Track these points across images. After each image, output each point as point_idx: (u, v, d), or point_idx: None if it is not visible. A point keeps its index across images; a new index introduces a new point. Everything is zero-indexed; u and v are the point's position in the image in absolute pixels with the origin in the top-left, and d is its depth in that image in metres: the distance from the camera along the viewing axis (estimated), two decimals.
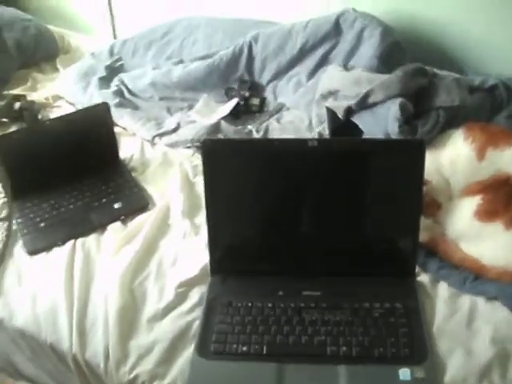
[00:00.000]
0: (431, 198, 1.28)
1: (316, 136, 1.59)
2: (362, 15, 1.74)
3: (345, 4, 1.79)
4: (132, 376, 1.11)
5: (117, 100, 1.87)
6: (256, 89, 1.90)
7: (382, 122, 1.40)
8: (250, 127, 1.75)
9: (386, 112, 1.40)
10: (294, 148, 1.18)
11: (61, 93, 2.00)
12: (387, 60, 1.63)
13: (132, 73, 2.01)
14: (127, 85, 1.96)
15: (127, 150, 1.70)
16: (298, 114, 1.74)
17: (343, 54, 1.74)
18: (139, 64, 2.06)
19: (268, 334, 1.10)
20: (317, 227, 1.23)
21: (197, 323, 1.16)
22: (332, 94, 1.55)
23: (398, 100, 1.37)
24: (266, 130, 1.72)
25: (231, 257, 1.25)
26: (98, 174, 1.58)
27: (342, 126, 1.53)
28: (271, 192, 1.21)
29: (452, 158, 1.31)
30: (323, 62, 1.78)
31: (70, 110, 1.88)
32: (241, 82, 1.90)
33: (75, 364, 1.17)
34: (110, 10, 2.42)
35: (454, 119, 1.39)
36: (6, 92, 2.01)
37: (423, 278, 1.24)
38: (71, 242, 1.38)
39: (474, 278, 1.22)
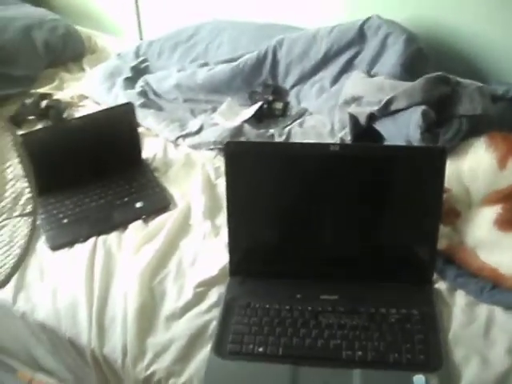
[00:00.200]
0: (451, 205, 1.28)
1: (338, 141, 1.59)
2: (387, 22, 1.74)
3: (370, 10, 1.80)
4: (149, 373, 1.12)
5: (141, 101, 1.89)
6: (280, 93, 1.90)
7: (403, 129, 1.40)
8: (272, 131, 1.75)
9: (408, 119, 1.40)
10: (316, 152, 1.19)
11: (86, 92, 2.02)
12: (411, 67, 1.63)
13: (157, 74, 2.03)
14: (152, 86, 1.98)
15: (150, 150, 1.72)
16: (320, 118, 1.75)
17: (367, 60, 1.74)
18: (164, 66, 2.08)
19: (284, 336, 1.11)
20: (336, 231, 1.23)
21: (214, 323, 1.18)
22: (355, 100, 1.55)
23: (421, 107, 1.37)
24: (289, 135, 1.73)
25: (250, 258, 1.26)
26: (121, 173, 1.59)
27: (364, 132, 1.53)
28: (292, 195, 1.22)
29: (473, 166, 1.31)
30: (347, 68, 1.78)
31: (95, 109, 1.89)
32: (265, 85, 1.91)
33: (93, 359, 1.19)
34: (137, 12, 2.44)
35: (476, 128, 1.38)
36: (33, 90, 2.04)
37: (441, 285, 1.24)
38: (93, 238, 1.41)
39: (491, 287, 1.21)
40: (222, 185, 1.51)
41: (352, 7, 1.96)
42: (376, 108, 1.45)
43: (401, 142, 1.40)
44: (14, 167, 1.09)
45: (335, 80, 1.80)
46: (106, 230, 1.43)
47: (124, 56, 2.16)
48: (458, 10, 1.79)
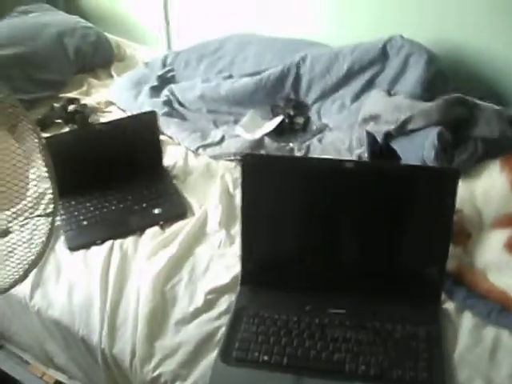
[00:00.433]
0: (462, 226, 1.28)
1: (355, 158, 1.61)
2: (409, 42, 1.76)
3: (393, 30, 1.82)
4: (155, 374, 1.15)
5: (165, 109, 1.93)
6: (301, 108, 1.93)
7: (419, 149, 1.41)
8: (292, 145, 1.78)
9: (423, 139, 1.41)
10: (331, 168, 1.21)
11: (113, 99, 2.07)
12: (430, 88, 1.65)
13: (182, 84, 2.07)
14: (177, 95, 2.01)
15: (171, 158, 1.75)
16: (339, 135, 1.76)
17: (388, 79, 1.76)
18: (190, 76, 2.12)
19: (290, 346, 1.13)
20: (347, 247, 1.25)
21: (222, 330, 1.19)
22: (373, 118, 1.57)
23: (437, 128, 1.39)
24: (308, 149, 1.75)
25: (262, 269, 1.28)
26: (142, 179, 1.62)
27: (382, 150, 1.55)
28: (306, 209, 1.24)
29: (486, 188, 1.32)
30: (368, 86, 1.81)
31: (121, 115, 1.95)
32: (287, 100, 1.94)
33: (103, 358, 1.22)
34: (166, 22, 2.49)
35: (492, 151, 1.39)
36: (62, 95, 2.11)
37: (449, 305, 1.24)
38: (110, 241, 1.44)
39: (500, 309, 1.21)
40: (239, 195, 1.53)
41: (376, 26, 1.98)
42: (393, 127, 1.47)
43: (416, 162, 1.41)
44: (38, 168, 1.12)
45: (356, 97, 1.82)
46: (123, 234, 1.46)
47: (151, 65, 2.21)
48: (479, 33, 1.81)
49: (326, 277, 1.26)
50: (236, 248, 1.37)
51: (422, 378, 1.06)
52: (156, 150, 1.69)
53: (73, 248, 1.43)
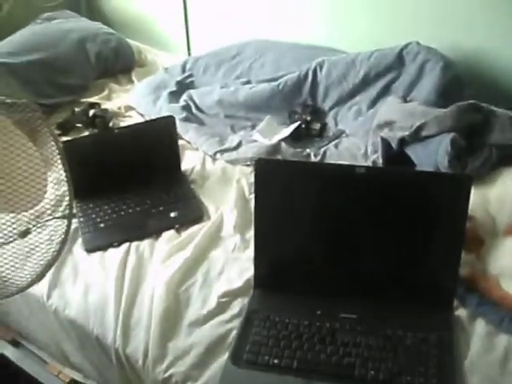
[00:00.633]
0: (475, 233, 1.28)
1: (370, 164, 1.62)
2: (425, 49, 1.76)
3: (410, 37, 1.82)
4: (167, 375, 1.16)
5: (184, 114, 1.96)
6: (318, 114, 1.94)
7: (432, 155, 1.41)
8: (308, 151, 1.79)
9: (437, 146, 1.41)
10: (343, 173, 1.22)
11: (133, 103, 2.10)
12: (446, 94, 1.65)
13: (201, 89, 2.09)
14: (195, 101, 2.04)
15: (189, 162, 1.78)
16: (355, 141, 1.77)
17: (404, 85, 1.77)
18: (209, 81, 2.14)
19: (300, 350, 1.13)
20: (360, 252, 1.25)
21: (234, 333, 1.20)
22: (388, 124, 1.57)
23: (450, 135, 1.39)
24: (324, 155, 1.76)
25: (275, 273, 1.29)
26: (159, 183, 1.65)
27: (397, 156, 1.55)
28: (318, 214, 1.25)
29: (500, 195, 1.31)
30: (385, 92, 1.81)
31: (140, 120, 1.98)
32: (304, 106, 1.95)
33: (117, 357, 1.25)
34: (187, 29, 2.52)
35: (506, 157, 1.39)
36: (83, 99, 2.15)
37: (461, 312, 1.23)
38: (126, 244, 1.46)
39: None
40: None
41: (392, 33, 1.98)
42: (407, 133, 1.47)
43: (430, 168, 1.41)
44: (58, 172, 1.15)
45: (372, 104, 1.83)
46: (140, 237, 1.48)
47: (171, 70, 2.24)
48: (496, 40, 1.80)
49: (337, 282, 1.26)
50: (250, 252, 1.38)
51: None
52: (174, 155, 1.71)
53: (90, 250, 1.45)
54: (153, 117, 1.93)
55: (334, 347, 1.13)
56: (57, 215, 1.20)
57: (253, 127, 1.94)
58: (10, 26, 2.30)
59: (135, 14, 2.68)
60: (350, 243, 1.25)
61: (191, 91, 2.08)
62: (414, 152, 1.48)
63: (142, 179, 1.63)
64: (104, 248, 1.46)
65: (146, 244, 1.46)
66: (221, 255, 1.42)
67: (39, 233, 1.18)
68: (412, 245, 1.22)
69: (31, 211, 1.18)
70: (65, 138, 1.84)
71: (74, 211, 1.50)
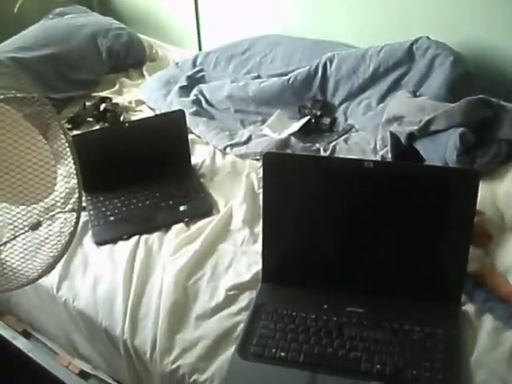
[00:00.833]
0: (483, 228, 1.27)
1: (379, 159, 1.61)
2: (435, 43, 1.76)
3: (420, 32, 1.81)
4: (174, 367, 1.17)
5: (194, 109, 1.96)
6: (328, 108, 1.94)
7: (441, 150, 1.41)
8: (318, 145, 1.79)
9: (446, 140, 1.41)
10: (351, 168, 1.22)
11: (143, 98, 2.11)
12: (456, 89, 1.64)
13: (211, 84, 2.10)
14: (206, 95, 2.05)
15: (199, 156, 1.78)
16: (364, 136, 1.77)
17: (414, 80, 1.76)
18: (219, 76, 2.15)
19: (307, 344, 1.13)
20: (367, 247, 1.25)
21: (241, 326, 1.21)
22: (397, 119, 1.57)
23: (459, 129, 1.38)
24: (334, 150, 1.76)
25: (283, 267, 1.29)
26: (169, 176, 1.66)
27: (406, 150, 1.55)
28: (326, 208, 1.25)
29: (509, 191, 1.31)
30: (394, 87, 1.81)
31: (150, 114, 1.99)
32: (314, 100, 1.95)
33: (125, 349, 1.26)
34: (197, 23, 2.53)
35: None
36: (95, 94, 2.16)
37: (468, 307, 1.23)
38: (136, 237, 1.47)
39: None
40: None
41: (402, 28, 1.98)
42: (416, 128, 1.47)
43: (439, 163, 1.41)
44: (68, 165, 1.17)
45: (382, 99, 1.82)
46: (149, 230, 1.49)
47: (182, 65, 2.25)
48: (506, 34, 1.79)
49: (345, 275, 1.26)
50: (258, 246, 1.37)
51: (437, 379, 1.06)
52: (184, 149, 1.72)
53: (99, 242, 1.47)
54: (163, 111, 1.94)
55: (341, 341, 1.13)
56: (66, 208, 1.21)
57: (263, 122, 1.94)
58: (23, 21, 2.32)
59: (147, 9, 2.70)
60: (357, 237, 1.25)
61: (202, 86, 2.09)
62: (423, 147, 1.48)
63: (151, 173, 1.64)
64: (113, 241, 1.47)
65: (155, 237, 1.47)
66: (229, 249, 1.43)
67: (49, 225, 1.19)
68: (420, 239, 1.22)
69: (41, 204, 1.19)
70: (76, 132, 1.85)
71: (84, 204, 1.52)
